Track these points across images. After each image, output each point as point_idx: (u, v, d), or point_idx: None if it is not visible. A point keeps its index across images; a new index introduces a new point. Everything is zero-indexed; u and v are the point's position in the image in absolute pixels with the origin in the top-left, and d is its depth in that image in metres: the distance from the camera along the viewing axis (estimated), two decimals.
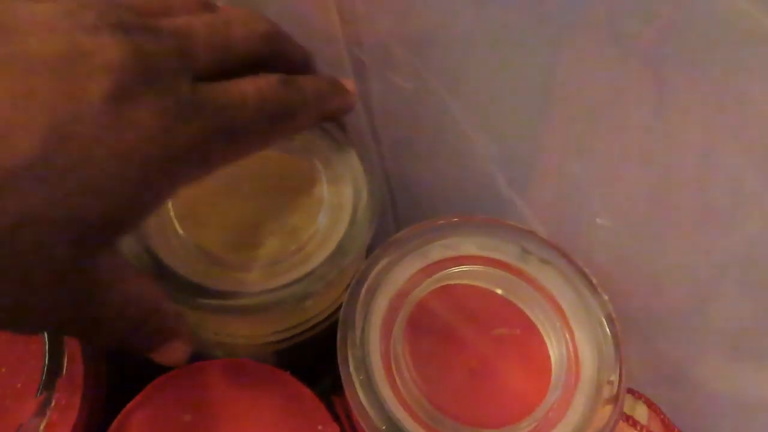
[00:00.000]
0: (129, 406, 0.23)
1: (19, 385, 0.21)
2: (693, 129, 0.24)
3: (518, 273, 0.25)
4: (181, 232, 0.22)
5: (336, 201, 0.23)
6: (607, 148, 0.27)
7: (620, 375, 0.23)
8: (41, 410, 0.20)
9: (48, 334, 0.21)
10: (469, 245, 0.25)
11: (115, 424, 0.22)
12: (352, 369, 0.22)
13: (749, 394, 0.27)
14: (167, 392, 0.23)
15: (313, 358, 0.26)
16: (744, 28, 0.20)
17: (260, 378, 0.24)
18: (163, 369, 0.23)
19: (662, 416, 0.28)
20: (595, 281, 0.25)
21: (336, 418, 0.23)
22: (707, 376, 0.28)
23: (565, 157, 0.29)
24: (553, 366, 0.24)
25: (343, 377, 0.22)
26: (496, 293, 0.26)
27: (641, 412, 0.28)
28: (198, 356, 0.23)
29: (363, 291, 0.23)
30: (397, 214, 0.34)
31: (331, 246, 0.22)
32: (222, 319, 0.23)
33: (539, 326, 0.25)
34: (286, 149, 0.24)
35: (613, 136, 0.27)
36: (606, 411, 0.23)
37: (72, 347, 0.22)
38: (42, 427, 0.20)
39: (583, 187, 0.29)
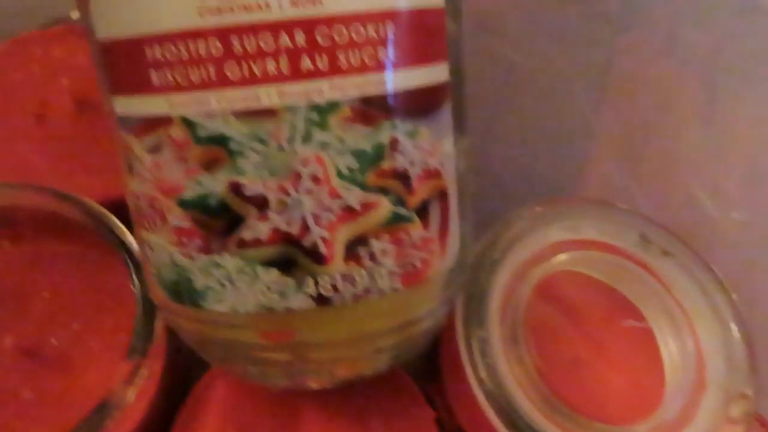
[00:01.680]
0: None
1: (104, 350, 0.20)
2: (741, 139, 0.25)
3: (638, 263, 0.23)
4: None
5: None
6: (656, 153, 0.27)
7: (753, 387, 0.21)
8: (131, 378, 0.19)
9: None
10: (588, 229, 0.23)
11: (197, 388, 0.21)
12: (476, 353, 0.20)
13: None
14: None
15: None
16: None
17: None
18: None
19: None
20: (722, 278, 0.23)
21: (430, 403, 0.22)
22: None
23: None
24: (668, 367, 0.22)
25: (466, 362, 0.20)
26: (612, 283, 0.23)
27: None
28: None
29: (486, 271, 0.21)
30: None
31: None
32: None
33: (657, 322, 0.23)
34: None
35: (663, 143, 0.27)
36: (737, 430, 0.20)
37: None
38: (129, 396, 0.18)
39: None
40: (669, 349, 0.22)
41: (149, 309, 0.20)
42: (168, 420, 0.21)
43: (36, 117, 0.25)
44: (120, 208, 0.19)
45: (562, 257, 0.22)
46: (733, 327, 0.22)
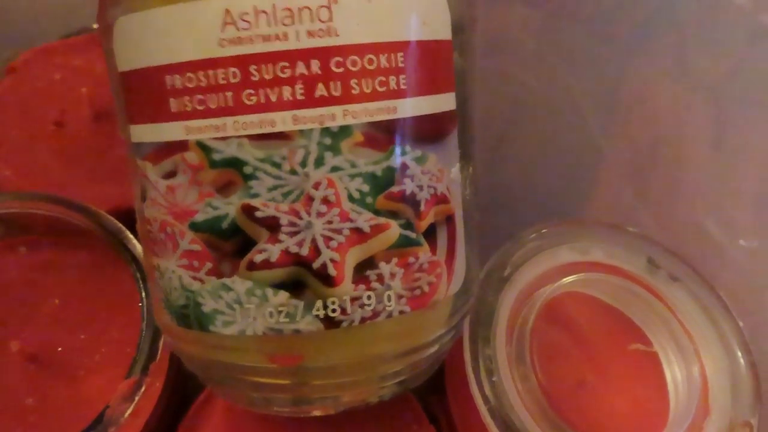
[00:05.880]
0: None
1: (108, 363, 0.20)
2: (749, 167, 0.25)
3: (645, 287, 0.23)
4: None
5: None
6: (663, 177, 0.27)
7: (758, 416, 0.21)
8: (131, 395, 0.19)
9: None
10: (597, 251, 0.23)
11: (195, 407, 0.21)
12: (482, 371, 0.20)
13: None
14: None
15: None
16: None
17: None
18: None
19: None
20: (729, 305, 0.23)
21: (433, 419, 0.22)
22: None
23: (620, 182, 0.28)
24: (673, 392, 0.22)
25: (472, 379, 0.20)
26: (619, 306, 0.23)
27: None
28: None
29: (494, 289, 0.21)
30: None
31: None
32: None
33: (662, 347, 0.23)
34: None
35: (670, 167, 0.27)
36: None
37: None
38: (128, 413, 0.19)
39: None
40: (674, 374, 0.22)
41: (155, 326, 0.20)
42: None
43: (55, 124, 0.25)
44: (133, 217, 0.19)
45: (570, 279, 0.22)
46: (739, 354, 0.22)
